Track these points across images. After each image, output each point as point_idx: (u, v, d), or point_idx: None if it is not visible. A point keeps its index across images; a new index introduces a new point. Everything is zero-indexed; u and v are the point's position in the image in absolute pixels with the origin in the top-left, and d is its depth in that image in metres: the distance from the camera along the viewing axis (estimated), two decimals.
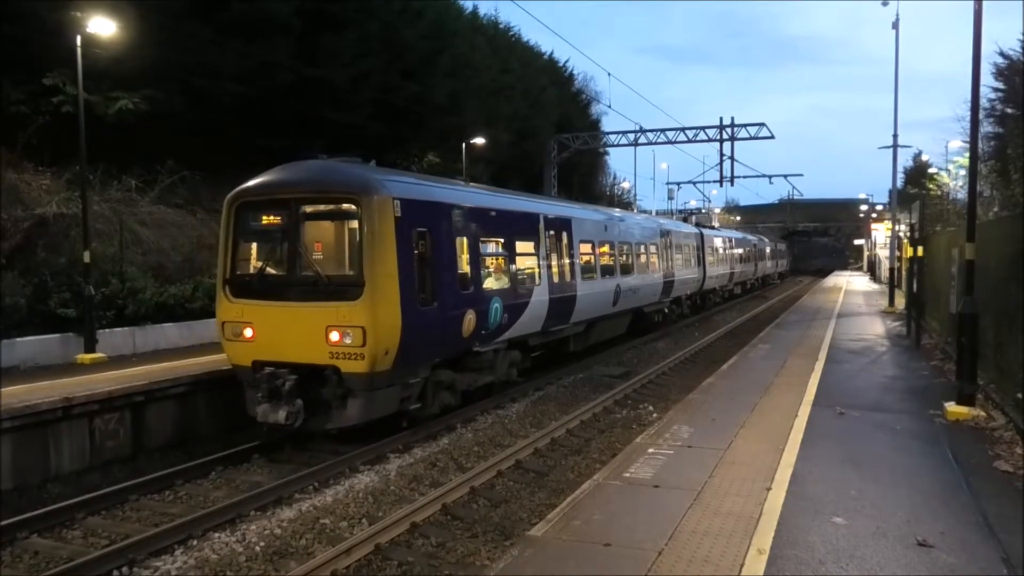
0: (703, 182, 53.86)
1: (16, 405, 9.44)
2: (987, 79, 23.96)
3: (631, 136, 38.94)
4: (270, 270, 10.89)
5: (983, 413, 9.47)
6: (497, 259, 13.53)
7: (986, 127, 24.53)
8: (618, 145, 40.39)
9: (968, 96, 10.88)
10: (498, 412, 13.18)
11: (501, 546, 7.36)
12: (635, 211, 45.19)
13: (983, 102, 21.90)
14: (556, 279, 15.30)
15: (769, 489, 6.74)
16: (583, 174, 49.27)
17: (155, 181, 18.04)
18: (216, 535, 7.73)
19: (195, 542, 7.58)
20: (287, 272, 10.65)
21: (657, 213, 55.35)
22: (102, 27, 13.94)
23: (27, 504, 8.72)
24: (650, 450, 8.11)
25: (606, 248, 18.76)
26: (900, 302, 24.91)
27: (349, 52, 23.00)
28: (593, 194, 52.84)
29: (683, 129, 37.94)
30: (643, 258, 21.83)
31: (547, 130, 40.14)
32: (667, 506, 6.40)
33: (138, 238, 16.70)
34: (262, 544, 7.44)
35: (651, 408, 13.39)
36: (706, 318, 29.55)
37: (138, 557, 7.16)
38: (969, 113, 11.50)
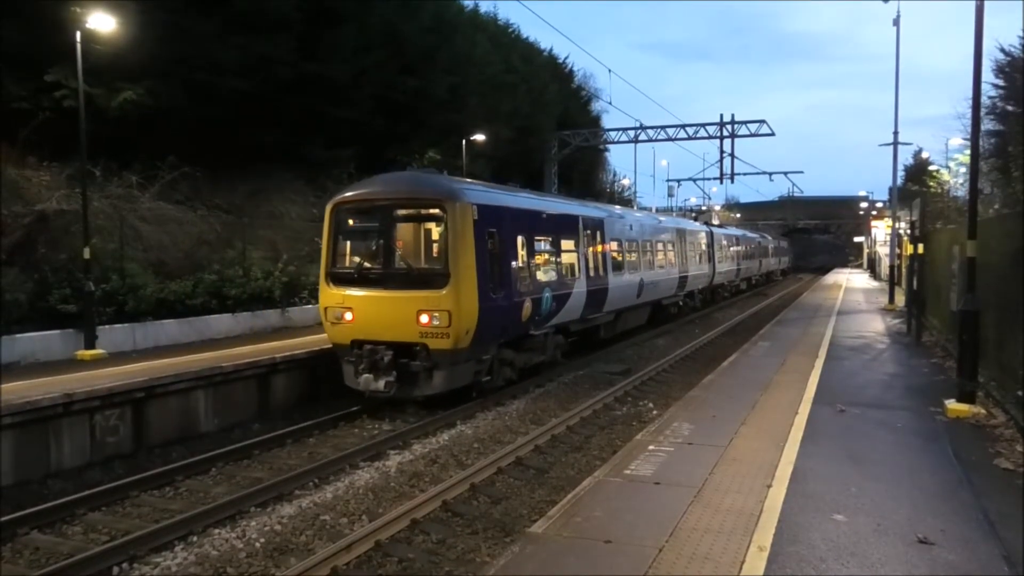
0: (703, 179, 53.98)
1: (17, 401, 9.44)
2: (988, 76, 23.93)
3: (631, 133, 38.93)
4: (367, 264, 12.67)
5: (984, 410, 9.47)
6: (547, 255, 15.31)
7: (987, 124, 24.50)
8: (618, 142, 40.42)
9: (969, 93, 10.85)
10: (498, 409, 13.19)
11: (501, 543, 7.35)
12: (635, 208, 46.03)
13: (984, 99, 21.88)
14: (592, 273, 17.20)
15: (770, 486, 6.74)
16: (583, 171, 49.20)
17: (156, 177, 18.02)
18: (216, 531, 7.74)
19: (195, 538, 7.58)
20: (383, 265, 12.50)
21: (657, 210, 55.47)
22: (102, 22, 13.93)
23: (28, 500, 8.71)
24: (651, 447, 8.11)
25: (632, 246, 20.72)
26: (900, 299, 24.92)
27: (349, 47, 22.97)
28: (593, 191, 52.75)
29: (683, 126, 37.93)
30: (662, 255, 23.77)
31: (548, 127, 40.09)
32: (668, 503, 6.40)
33: (138, 234, 16.69)
34: (262, 540, 7.45)
35: (652, 405, 13.39)
36: (710, 313, 29.53)
37: (138, 553, 7.16)
38: (970, 110, 11.48)
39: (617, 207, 25.24)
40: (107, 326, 14.24)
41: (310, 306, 19.13)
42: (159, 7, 17.34)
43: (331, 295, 12.57)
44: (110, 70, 16.53)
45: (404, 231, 12.92)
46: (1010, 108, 23.53)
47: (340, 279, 12.63)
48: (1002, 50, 23.72)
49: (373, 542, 7.23)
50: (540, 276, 14.65)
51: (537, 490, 9.06)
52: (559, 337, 16.07)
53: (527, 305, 13.82)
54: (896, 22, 27.52)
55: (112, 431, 10.46)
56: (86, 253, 13.72)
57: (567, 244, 16.21)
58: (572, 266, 16.31)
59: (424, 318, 11.78)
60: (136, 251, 16.31)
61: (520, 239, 13.92)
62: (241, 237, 18.69)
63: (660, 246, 23.68)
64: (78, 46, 13.65)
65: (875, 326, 20.16)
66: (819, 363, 13.65)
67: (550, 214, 15.82)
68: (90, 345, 13.47)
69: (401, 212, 12.61)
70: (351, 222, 12.96)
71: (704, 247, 30.76)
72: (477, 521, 8.02)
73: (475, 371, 12.81)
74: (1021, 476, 7.12)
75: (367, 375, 11.85)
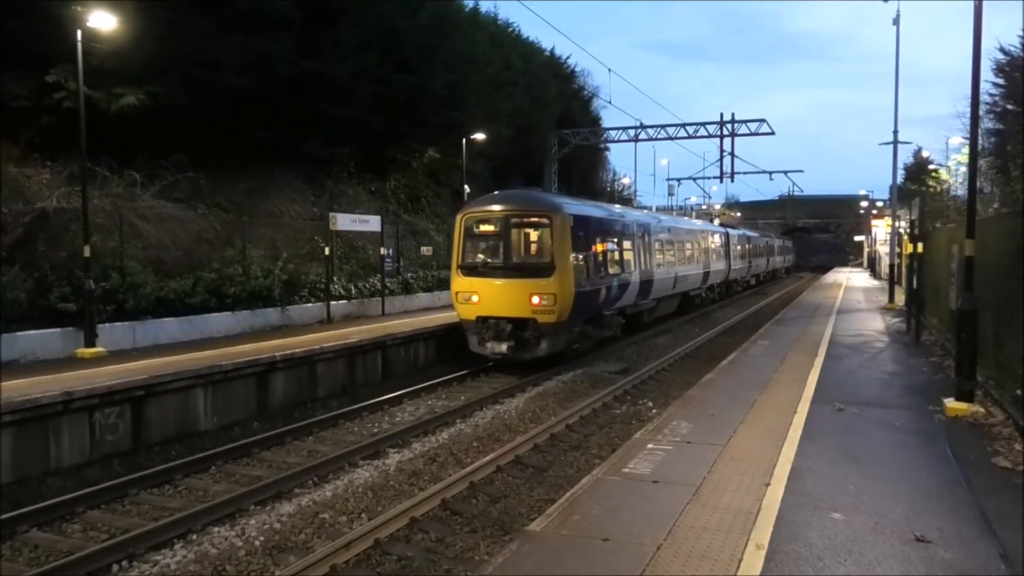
0: (703, 178, 53.89)
1: (16, 399, 9.45)
2: (987, 75, 23.94)
3: (632, 132, 38.86)
4: (489, 259, 16.28)
5: (982, 409, 9.47)
6: (614, 253, 18.93)
7: (986, 123, 24.50)
8: (619, 141, 40.34)
9: (968, 92, 10.85)
10: (497, 408, 13.21)
11: (500, 541, 7.36)
12: (635, 207, 47.12)
13: (984, 98, 21.89)
14: (643, 267, 20.94)
15: (768, 485, 6.75)
16: (583, 169, 49.15)
17: (156, 176, 18.02)
18: (216, 529, 7.75)
19: (195, 536, 7.59)
20: (503, 260, 16.09)
21: (657, 209, 55.57)
22: (103, 21, 13.91)
23: (27, 498, 8.73)
24: (649, 446, 8.11)
25: (668, 246, 24.33)
26: (900, 298, 24.92)
27: (349, 45, 22.95)
28: (593, 190, 52.69)
29: (683, 125, 37.89)
30: (690, 253, 27.40)
31: (548, 126, 40.05)
32: (666, 501, 6.41)
33: (138, 232, 16.67)
34: (261, 539, 7.46)
35: (650, 404, 13.40)
36: (710, 312, 29.53)
37: (138, 551, 7.17)
38: (969, 109, 11.48)
39: (663, 214, 30.29)
40: (107, 324, 14.24)
41: (310, 304, 19.15)
42: (159, 5, 17.32)
43: (461, 282, 16.30)
44: (110, 70, 16.51)
45: (518, 235, 16.57)
46: (1009, 107, 23.54)
47: (469, 270, 16.29)
48: (1002, 49, 23.75)
49: (372, 540, 7.24)
50: (610, 269, 18.37)
51: (536, 489, 9.07)
52: (619, 318, 19.84)
53: (602, 292, 17.68)
54: (896, 22, 27.52)
55: (111, 429, 10.47)
56: (86, 251, 13.71)
57: (626, 244, 19.89)
58: (629, 262, 19.92)
59: (535, 299, 15.48)
60: (136, 249, 16.29)
61: (597, 240, 17.66)
62: (241, 235, 18.69)
63: (688, 246, 27.23)
64: (79, 45, 13.64)
65: (874, 325, 20.16)
66: (818, 362, 13.66)
67: (614, 220, 19.70)
68: (90, 343, 13.48)
69: (516, 220, 16.27)
70: (477, 228, 16.51)
71: (721, 246, 34.09)
72: (476, 519, 8.03)
73: (568, 340, 16.42)
74: (1019, 475, 7.13)
75: (492, 342, 15.72)
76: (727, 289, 36.73)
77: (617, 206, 23.54)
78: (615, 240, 19.12)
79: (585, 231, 16.78)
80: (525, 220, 16.38)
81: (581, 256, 16.35)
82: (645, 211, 26.42)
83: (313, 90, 21.65)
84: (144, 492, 8.97)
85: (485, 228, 16.49)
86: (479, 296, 15.97)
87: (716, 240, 33.17)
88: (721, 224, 41.84)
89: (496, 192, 18.11)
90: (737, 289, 39.67)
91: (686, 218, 38.18)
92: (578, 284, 15.91)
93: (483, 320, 15.88)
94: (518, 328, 15.60)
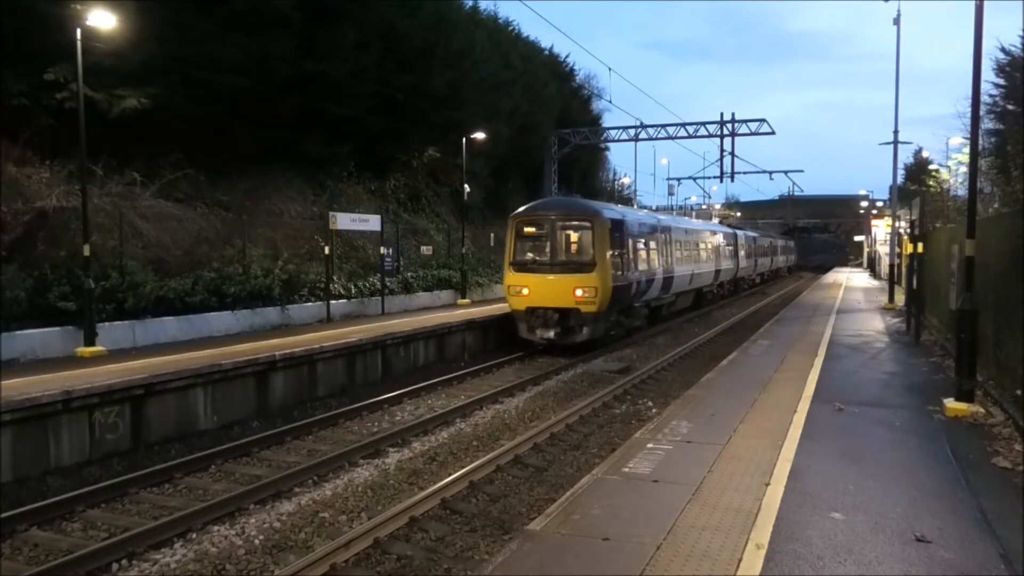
0: (703, 178, 53.99)
1: (16, 398, 9.45)
2: (988, 75, 23.90)
3: (632, 131, 38.85)
4: (538, 257, 18.68)
5: (982, 409, 9.47)
6: (642, 252, 21.20)
7: (987, 123, 24.46)
8: (619, 140, 40.32)
9: (969, 92, 10.84)
10: (497, 407, 13.21)
11: (500, 540, 7.35)
12: (635, 206, 47.59)
13: (984, 98, 21.85)
14: (665, 265, 23.26)
15: (768, 484, 6.75)
16: (583, 169, 49.11)
17: (156, 175, 18.00)
18: (215, 528, 7.75)
19: (194, 535, 7.59)
20: (550, 257, 18.50)
21: (657, 209, 55.58)
22: (102, 20, 13.89)
23: (27, 496, 8.72)
24: (649, 445, 8.11)
25: (686, 246, 26.72)
26: (900, 298, 24.91)
27: (348, 45, 22.93)
28: (593, 189, 52.63)
29: (684, 125, 37.87)
30: (703, 253, 29.87)
31: (548, 125, 39.99)
32: (666, 501, 6.41)
33: (138, 231, 16.66)
34: (261, 537, 7.46)
35: (650, 403, 13.40)
36: (710, 312, 29.54)
37: (137, 550, 7.17)
38: (970, 109, 11.46)
39: (684, 218, 34.76)
40: (107, 323, 14.22)
41: (310, 304, 19.14)
42: (159, 5, 17.30)
43: (513, 277, 18.73)
44: (109, 69, 16.49)
45: (564, 236, 18.78)
46: (1010, 107, 23.50)
47: (520, 267, 18.73)
48: (1002, 49, 23.67)
49: (372, 539, 7.24)
50: (639, 267, 20.69)
51: (536, 488, 9.07)
52: (645, 310, 22.46)
53: (634, 286, 20.13)
54: (896, 21, 27.53)
55: (111, 428, 10.47)
56: (86, 250, 13.69)
57: (652, 245, 22.21)
58: (654, 260, 22.34)
59: (579, 292, 17.80)
60: (136, 248, 16.28)
61: (630, 242, 19.86)
62: (241, 235, 18.68)
63: (702, 246, 29.79)
64: (78, 44, 13.62)
65: (874, 325, 20.16)
66: (818, 362, 13.66)
67: (643, 223, 22.18)
68: (90, 342, 13.47)
69: (562, 224, 18.61)
70: (527, 230, 18.92)
71: (731, 247, 36.59)
72: (476, 519, 8.03)
73: (605, 327, 18.91)
74: (1019, 475, 7.13)
75: (540, 328, 18.09)
76: (736, 286, 39.18)
77: (644, 211, 26.63)
78: (643, 241, 21.39)
79: (620, 233, 19.13)
80: (570, 223, 18.72)
81: (617, 255, 18.72)
82: (667, 215, 29.33)
83: (313, 90, 21.63)
84: (144, 491, 8.97)
85: (535, 230, 18.89)
86: (529, 289, 18.32)
87: (727, 241, 35.62)
88: (728, 225, 44.25)
89: (544, 199, 22.86)
90: (744, 286, 42.26)
91: (700, 221, 41.18)
92: (615, 279, 18.34)
93: (532, 310, 18.32)
94: (563, 317, 17.98)
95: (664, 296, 23.85)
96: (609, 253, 18.13)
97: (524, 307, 18.38)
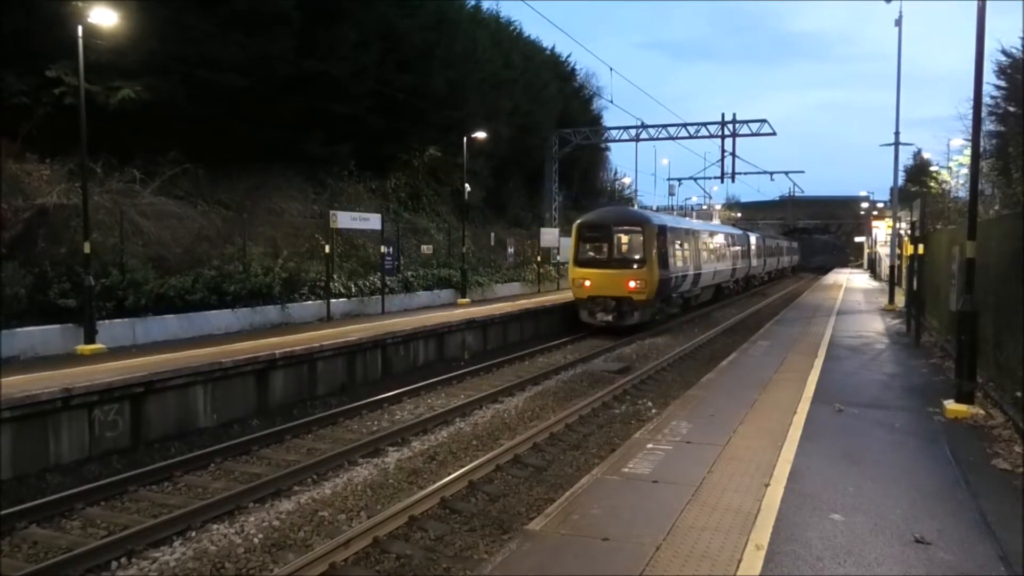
0: (704, 178, 54.04)
1: (16, 395, 9.45)
2: (989, 77, 23.91)
3: (633, 131, 38.88)
4: (598, 255, 22.91)
5: (982, 411, 9.46)
6: (680, 252, 25.24)
7: (988, 125, 24.47)
8: (619, 140, 40.36)
9: (970, 94, 10.83)
10: (497, 407, 13.21)
11: (499, 540, 7.35)
12: (635, 206, 47.87)
13: (985, 100, 21.84)
14: (695, 263, 27.28)
15: (767, 485, 6.75)
16: (584, 169, 49.12)
17: (156, 173, 18.00)
18: (215, 527, 7.75)
19: (194, 533, 7.59)
20: (607, 255, 22.78)
21: (658, 209, 55.66)
22: (103, 17, 13.90)
23: (26, 494, 8.71)
24: (649, 445, 8.11)
25: (710, 246, 30.94)
26: (900, 300, 24.90)
27: (349, 44, 22.93)
28: (594, 189, 52.66)
29: (684, 125, 37.90)
30: (723, 252, 33.94)
31: (548, 125, 40.00)
32: (665, 501, 6.41)
33: (139, 229, 16.64)
34: (260, 536, 7.46)
35: (650, 404, 13.40)
36: (710, 313, 29.55)
37: (137, 548, 7.17)
38: (971, 111, 11.46)
39: (713, 222, 42.84)
40: (107, 321, 14.22)
41: (310, 302, 19.13)
42: (160, 4, 17.30)
43: (577, 272, 22.91)
44: (110, 67, 16.49)
45: (618, 238, 23.05)
46: (1011, 109, 23.51)
47: (582, 263, 22.94)
48: (1003, 51, 23.69)
49: (371, 539, 7.24)
50: (677, 264, 24.82)
51: (535, 488, 9.07)
52: (680, 300, 26.67)
53: (673, 280, 24.24)
54: (898, 23, 27.49)
55: (111, 426, 10.47)
56: (86, 248, 13.69)
57: (686, 246, 26.25)
58: (687, 259, 26.33)
59: (631, 283, 21.96)
60: (136, 246, 16.27)
61: (671, 242, 24.06)
62: (241, 233, 18.67)
63: (722, 247, 33.89)
64: (79, 41, 13.62)
65: (874, 326, 20.16)
66: (818, 363, 13.66)
67: (680, 228, 26.55)
68: (90, 340, 13.46)
69: (618, 228, 23.07)
70: (588, 233, 23.22)
71: (744, 247, 40.20)
72: (475, 518, 8.03)
73: (652, 313, 23.08)
74: (1019, 477, 7.13)
75: (600, 313, 22.29)
76: (747, 283, 43.19)
77: (679, 216, 31.08)
78: (679, 243, 25.46)
79: (664, 236, 23.26)
80: (624, 228, 23.12)
81: (661, 254, 22.70)
82: (695, 220, 34.90)
83: (313, 89, 21.63)
84: (143, 489, 8.97)
85: (595, 233, 23.20)
86: (590, 281, 22.42)
87: (741, 243, 39.76)
88: (734, 226, 48.05)
89: (601, 209, 27.53)
90: (755, 283, 46.50)
91: (718, 223, 47.79)
92: (661, 274, 22.56)
93: (592, 298, 22.45)
94: (618, 304, 22.09)
95: (693, 289, 27.94)
96: (655, 253, 22.15)
97: (586, 296, 22.55)
